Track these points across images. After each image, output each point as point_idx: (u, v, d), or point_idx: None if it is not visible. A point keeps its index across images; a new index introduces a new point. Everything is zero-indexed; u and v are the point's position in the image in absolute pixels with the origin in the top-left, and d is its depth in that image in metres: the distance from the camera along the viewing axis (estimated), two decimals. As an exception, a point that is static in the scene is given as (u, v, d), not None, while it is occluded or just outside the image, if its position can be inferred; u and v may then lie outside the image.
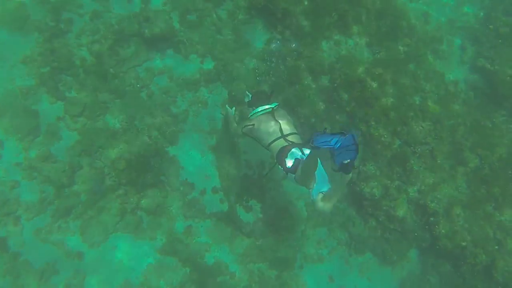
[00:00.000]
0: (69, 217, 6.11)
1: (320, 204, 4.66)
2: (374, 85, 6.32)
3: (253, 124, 5.03)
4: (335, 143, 4.01)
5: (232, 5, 7.06)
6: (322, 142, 4.09)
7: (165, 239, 6.32)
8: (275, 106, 5.11)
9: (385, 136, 6.27)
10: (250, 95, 5.29)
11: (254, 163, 6.71)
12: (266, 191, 6.59)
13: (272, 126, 4.99)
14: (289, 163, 4.64)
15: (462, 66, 7.26)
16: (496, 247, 6.11)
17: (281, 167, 4.87)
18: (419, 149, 6.31)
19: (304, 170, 4.54)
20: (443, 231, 6.15)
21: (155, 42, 6.74)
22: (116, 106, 6.52)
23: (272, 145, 4.93)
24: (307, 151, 4.84)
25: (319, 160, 4.74)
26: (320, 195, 4.63)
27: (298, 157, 4.65)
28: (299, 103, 6.51)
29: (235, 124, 5.51)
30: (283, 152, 4.83)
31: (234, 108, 5.59)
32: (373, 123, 6.29)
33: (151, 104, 6.59)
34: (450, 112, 6.57)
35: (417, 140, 6.30)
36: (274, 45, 6.70)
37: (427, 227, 6.36)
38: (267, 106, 5.09)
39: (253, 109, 5.17)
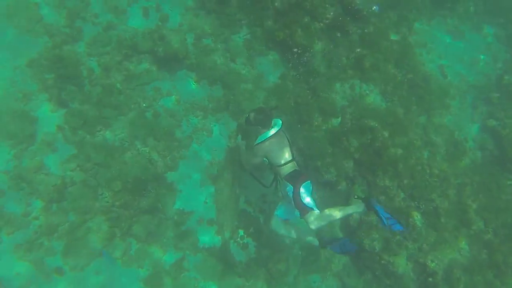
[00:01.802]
0: (53, 236, 5.70)
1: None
2: (386, 134, 6.19)
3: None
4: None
5: (250, 34, 6.91)
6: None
7: (152, 270, 5.95)
8: (281, 125, 5.01)
9: (391, 187, 6.12)
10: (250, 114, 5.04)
11: (254, 199, 6.46)
12: (263, 230, 6.31)
13: (285, 145, 4.95)
14: (307, 199, 4.72)
15: (472, 125, 7.19)
16: (494, 316, 5.92)
17: (293, 190, 4.73)
18: (423, 205, 6.14)
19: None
20: (441, 294, 5.94)
21: (168, 62, 6.53)
22: (118, 123, 6.24)
23: (284, 166, 4.88)
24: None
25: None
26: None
27: (308, 196, 4.75)
28: (307, 143, 6.33)
29: (246, 155, 5.41)
30: (299, 178, 4.78)
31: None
32: (380, 173, 6.14)
33: (155, 126, 6.32)
34: (457, 170, 6.46)
35: (422, 195, 6.15)
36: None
37: (424, 286, 6.14)
38: (274, 129, 4.95)
39: (260, 132, 4.99)
